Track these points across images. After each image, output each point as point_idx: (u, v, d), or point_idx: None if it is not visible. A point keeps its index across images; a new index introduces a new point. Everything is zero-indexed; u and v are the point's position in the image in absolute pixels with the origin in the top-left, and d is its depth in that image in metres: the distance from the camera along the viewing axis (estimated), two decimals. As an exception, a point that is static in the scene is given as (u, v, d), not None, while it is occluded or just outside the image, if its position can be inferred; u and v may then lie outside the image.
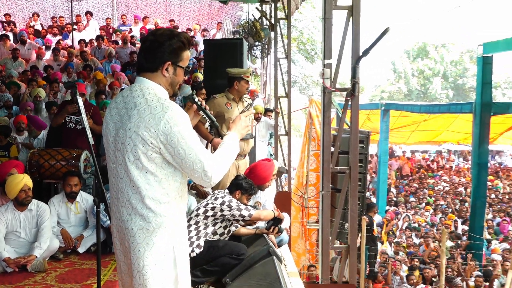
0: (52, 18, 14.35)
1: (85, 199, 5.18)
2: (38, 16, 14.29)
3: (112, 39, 13.24)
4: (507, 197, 17.03)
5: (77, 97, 3.05)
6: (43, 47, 11.75)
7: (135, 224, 2.15)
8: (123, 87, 8.88)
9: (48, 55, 11.51)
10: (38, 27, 13.80)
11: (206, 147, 6.65)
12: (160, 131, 2.07)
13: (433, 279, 9.07)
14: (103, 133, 2.32)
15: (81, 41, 12.22)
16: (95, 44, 12.20)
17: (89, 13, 14.25)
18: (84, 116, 2.88)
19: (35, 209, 4.71)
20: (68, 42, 12.74)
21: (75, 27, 13.28)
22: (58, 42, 12.28)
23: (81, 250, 4.96)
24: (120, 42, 12.64)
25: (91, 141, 2.81)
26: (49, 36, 12.91)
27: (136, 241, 2.15)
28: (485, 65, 11.09)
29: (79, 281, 4.21)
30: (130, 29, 13.96)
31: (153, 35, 2.28)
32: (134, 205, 2.15)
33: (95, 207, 2.96)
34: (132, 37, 12.88)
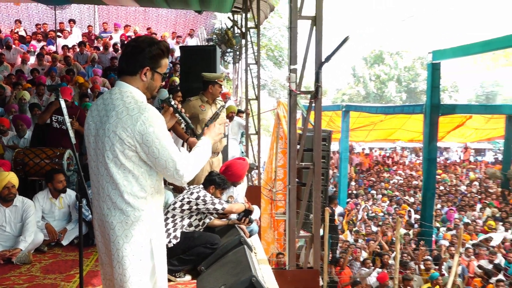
0: (37, 25, 14.07)
1: (68, 195, 5.11)
2: (21, 23, 14.06)
3: (94, 45, 13.07)
4: (453, 189, 17.40)
5: (60, 99, 3.00)
6: (28, 53, 11.50)
7: (114, 217, 2.14)
8: (102, 90, 8.78)
9: (32, 60, 11.29)
10: (22, 33, 13.47)
11: (182, 145, 6.63)
12: (137, 131, 2.06)
13: (390, 262, 9.21)
14: (84, 133, 2.30)
15: (64, 47, 12.03)
16: (78, 50, 12.00)
17: (72, 21, 14.07)
18: (66, 117, 2.83)
19: (20, 205, 4.63)
20: (52, 48, 12.53)
21: (59, 34, 13.08)
22: (42, 48, 12.06)
23: (64, 242, 4.90)
24: (101, 48, 12.47)
25: (73, 140, 2.77)
26: (33, 42, 12.65)
27: (116, 234, 2.14)
28: (434, 70, 11.32)
29: (63, 272, 4.14)
30: (111, 36, 13.77)
31: (135, 41, 2.28)
32: (114, 200, 2.14)
33: (78, 202, 2.93)
34: (114, 44, 12.73)
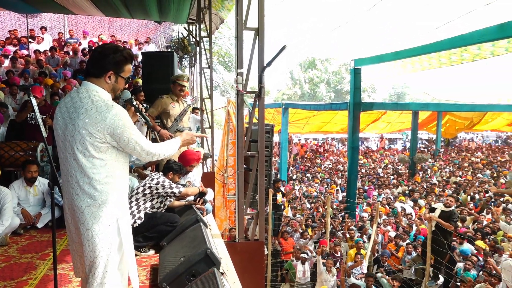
0: (10, 31, 13.16)
1: (42, 183, 4.88)
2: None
3: (64, 50, 12.45)
4: (372, 171, 18.06)
5: (31, 97, 2.83)
6: (2, 56, 10.77)
7: (83, 202, 2.07)
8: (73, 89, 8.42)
9: (6, 62, 10.60)
10: (-5, 38, 12.61)
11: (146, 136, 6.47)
12: (107, 126, 2.03)
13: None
14: (53, 127, 2.21)
15: (36, 51, 11.38)
16: (49, 54, 11.38)
17: (44, 28, 13.36)
18: (37, 113, 2.68)
19: (-3, 193, 4.34)
20: (25, 52, 11.81)
21: (31, 40, 12.36)
22: (15, 52, 11.33)
23: (39, 225, 4.68)
24: (71, 53, 11.89)
25: (45, 134, 2.63)
26: (8, 47, 11.85)
27: (85, 216, 2.08)
28: (356, 75, 11.63)
29: (38, 251, 3.95)
30: (80, 42, 13.16)
31: (101, 47, 2.23)
32: (82, 186, 2.07)
33: (50, 189, 2.80)
34: (83, 49, 12.20)
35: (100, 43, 12.68)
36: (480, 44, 8.27)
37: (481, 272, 6.86)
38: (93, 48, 11.75)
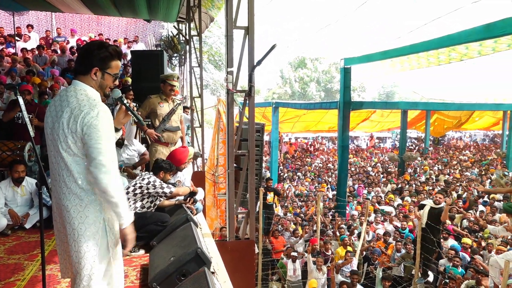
0: (-5, 29, 12.96)
1: (30, 183, 4.82)
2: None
3: (52, 49, 12.28)
4: (362, 169, 18.18)
5: (18, 96, 2.80)
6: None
7: (70, 201, 2.05)
8: (61, 88, 8.33)
9: (-8, 61, 10.39)
10: (-19, 36, 12.38)
11: (135, 137, 6.44)
12: (84, 123, 1.99)
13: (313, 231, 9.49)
14: (44, 126, 2.19)
15: (23, 50, 11.20)
16: (36, 52, 11.22)
17: (30, 26, 13.11)
18: (24, 113, 2.65)
19: (-17, 193, 4.28)
20: (11, 50, 11.61)
21: (17, 38, 12.16)
22: (1, 50, 11.14)
23: (27, 226, 4.62)
24: (59, 51, 11.74)
25: (32, 133, 2.60)
26: (-6, 45, 11.66)
27: (71, 216, 2.05)
28: (346, 74, 11.68)
29: (26, 252, 3.90)
30: (68, 40, 13.00)
31: (87, 44, 2.23)
32: (69, 185, 2.05)
33: (38, 189, 2.77)
34: (70, 47, 12.05)
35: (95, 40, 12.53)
36: (468, 43, 8.38)
37: (467, 269, 6.96)
38: (81, 46, 11.64)
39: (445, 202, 7.37)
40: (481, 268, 6.76)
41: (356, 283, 6.79)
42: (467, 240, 7.84)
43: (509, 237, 7.42)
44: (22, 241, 4.27)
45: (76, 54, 11.43)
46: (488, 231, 8.67)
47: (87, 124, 1.98)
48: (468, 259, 7.40)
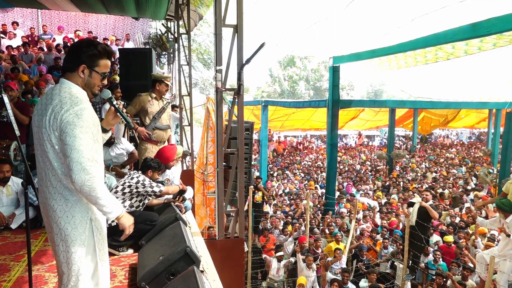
0: (-21, 26, 12.72)
1: (16, 183, 4.74)
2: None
3: (38, 46, 12.10)
4: (351, 167, 18.27)
5: (3, 95, 2.75)
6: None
7: (55, 201, 2.03)
8: (49, 86, 8.22)
9: (-23, 59, 10.21)
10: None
11: (123, 136, 6.40)
12: (62, 120, 1.95)
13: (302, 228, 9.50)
14: (32, 125, 2.16)
15: (8, 47, 11.04)
16: (22, 50, 11.05)
17: (15, 23, 12.91)
18: (10, 111, 2.60)
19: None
20: (-5, 47, 11.44)
21: (2, 35, 11.97)
22: (-14, 48, 10.97)
23: (13, 226, 4.54)
24: (45, 49, 11.58)
25: (17, 132, 2.55)
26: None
27: (57, 215, 2.03)
28: (335, 72, 11.72)
29: (12, 253, 3.83)
30: (54, 38, 12.82)
31: (77, 42, 2.21)
32: (54, 185, 2.03)
33: (24, 189, 2.73)
34: (57, 45, 11.87)
35: (76, 40, 12.39)
36: (454, 43, 8.48)
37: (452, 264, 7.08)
38: (69, 44, 11.48)
39: (431, 200, 7.51)
40: (470, 263, 6.87)
41: (347, 281, 6.84)
42: (449, 238, 7.95)
43: (496, 235, 7.54)
44: (8, 241, 4.20)
45: (62, 52, 11.29)
46: (474, 227, 8.80)
47: (65, 121, 1.94)
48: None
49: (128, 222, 2.21)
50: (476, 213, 8.54)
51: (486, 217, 7.92)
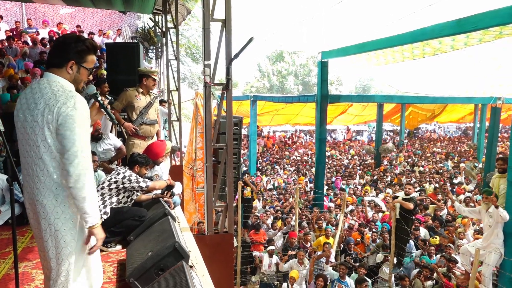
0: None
1: (0, 179, 4.64)
2: None
3: (23, 40, 11.88)
4: (339, 162, 18.39)
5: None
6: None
7: (44, 196, 2.00)
8: (33, 80, 8.07)
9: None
10: None
11: (111, 131, 6.34)
12: (60, 113, 1.93)
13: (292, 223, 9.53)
14: (14, 120, 2.10)
15: (-9, 41, 10.78)
16: (6, 44, 10.83)
17: (-1, 17, 12.65)
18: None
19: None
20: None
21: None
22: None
23: (-1, 223, 4.47)
24: (30, 43, 11.37)
25: (2, 128, 2.51)
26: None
27: (47, 211, 2.01)
28: (323, 67, 11.72)
29: (-2, 250, 3.78)
30: (38, 31, 12.58)
31: (63, 37, 2.16)
32: (43, 180, 2.00)
33: (9, 185, 2.68)
34: (42, 39, 11.66)
35: (62, 33, 12.19)
36: (441, 38, 8.57)
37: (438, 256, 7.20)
38: (55, 38, 11.30)
39: (414, 193, 7.67)
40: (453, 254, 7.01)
41: (344, 275, 6.90)
42: (433, 241, 8.04)
43: (479, 226, 7.69)
44: (-6, 238, 4.15)
45: (48, 46, 11.10)
46: (459, 220, 8.95)
47: (63, 114, 1.93)
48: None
49: (101, 234, 2.13)
50: (452, 197, 8.61)
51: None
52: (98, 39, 12.81)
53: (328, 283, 6.62)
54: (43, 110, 1.96)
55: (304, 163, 18.08)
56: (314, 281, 6.74)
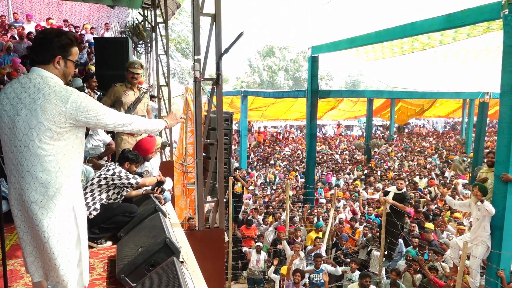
0: None
1: (-13, 176, 4.57)
2: None
3: (10, 35, 11.65)
4: (330, 157, 18.49)
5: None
6: None
7: (36, 191, 1.98)
8: (21, 75, 7.92)
9: None
10: None
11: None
12: (70, 108, 1.96)
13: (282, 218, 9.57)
14: (1, 116, 2.04)
15: (-24, 36, 10.55)
16: (-10, 38, 10.63)
17: (-16, 10, 12.37)
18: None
19: None
20: (-36, 36, 10.93)
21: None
22: (-48, 36, 10.47)
23: (-14, 221, 4.39)
24: (17, 37, 11.16)
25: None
26: None
27: (38, 206, 1.98)
28: (313, 62, 11.76)
29: (-15, 248, 3.72)
30: (23, 26, 12.34)
31: (42, 33, 2.11)
32: (34, 175, 1.97)
33: (-4, 182, 2.65)
34: (29, 33, 11.45)
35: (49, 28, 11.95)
36: (430, 33, 8.63)
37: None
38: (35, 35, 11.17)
39: (405, 188, 7.75)
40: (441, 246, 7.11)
41: (319, 265, 6.99)
42: (430, 226, 8.17)
43: (470, 220, 7.80)
44: (-19, 236, 4.09)
45: (36, 41, 10.90)
46: (449, 213, 9.07)
47: (75, 107, 1.99)
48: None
49: (173, 121, 2.63)
50: (444, 190, 8.71)
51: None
52: (87, 34, 12.63)
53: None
54: (44, 105, 1.94)
55: (295, 158, 18.11)
56: (291, 277, 6.82)
